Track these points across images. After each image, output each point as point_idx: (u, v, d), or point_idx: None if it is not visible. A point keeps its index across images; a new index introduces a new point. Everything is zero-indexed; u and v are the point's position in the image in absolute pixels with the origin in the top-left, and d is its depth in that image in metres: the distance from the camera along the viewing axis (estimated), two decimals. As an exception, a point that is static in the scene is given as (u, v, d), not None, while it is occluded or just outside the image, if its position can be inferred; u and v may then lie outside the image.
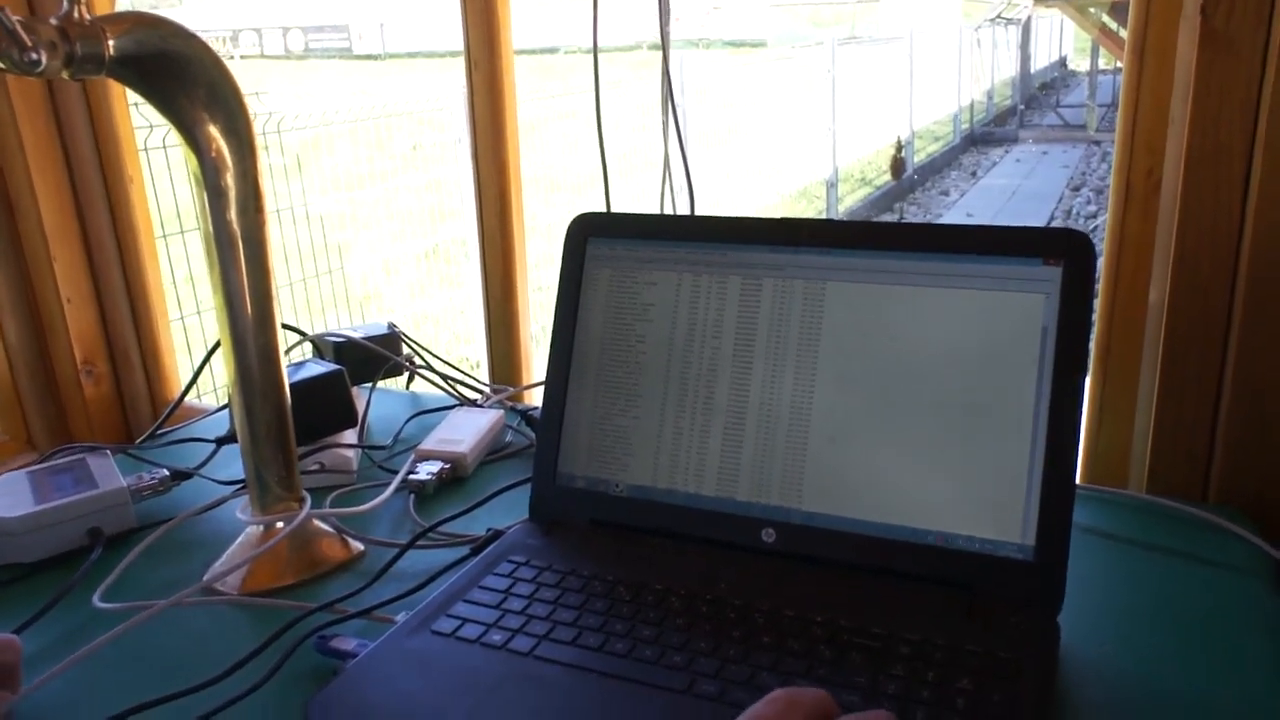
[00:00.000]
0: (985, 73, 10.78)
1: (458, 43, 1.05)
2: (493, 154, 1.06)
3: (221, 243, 0.64)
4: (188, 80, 0.59)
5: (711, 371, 0.68)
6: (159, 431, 0.95)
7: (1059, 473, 0.59)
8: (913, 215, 6.95)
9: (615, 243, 0.72)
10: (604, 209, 0.98)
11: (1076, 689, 0.55)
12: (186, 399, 1.07)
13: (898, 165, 7.45)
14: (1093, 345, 0.84)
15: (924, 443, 0.62)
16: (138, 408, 1.32)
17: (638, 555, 0.66)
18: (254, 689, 0.55)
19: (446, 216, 4.31)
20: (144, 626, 0.62)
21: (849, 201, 7.06)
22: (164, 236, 1.77)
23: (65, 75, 0.53)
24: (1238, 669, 0.56)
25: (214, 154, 0.62)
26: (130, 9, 0.54)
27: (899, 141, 7.52)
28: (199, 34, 0.59)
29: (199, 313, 2.10)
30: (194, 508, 0.76)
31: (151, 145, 1.61)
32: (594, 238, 0.73)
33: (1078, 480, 0.81)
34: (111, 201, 1.25)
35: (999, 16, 11.59)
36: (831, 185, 6.83)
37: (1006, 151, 9.13)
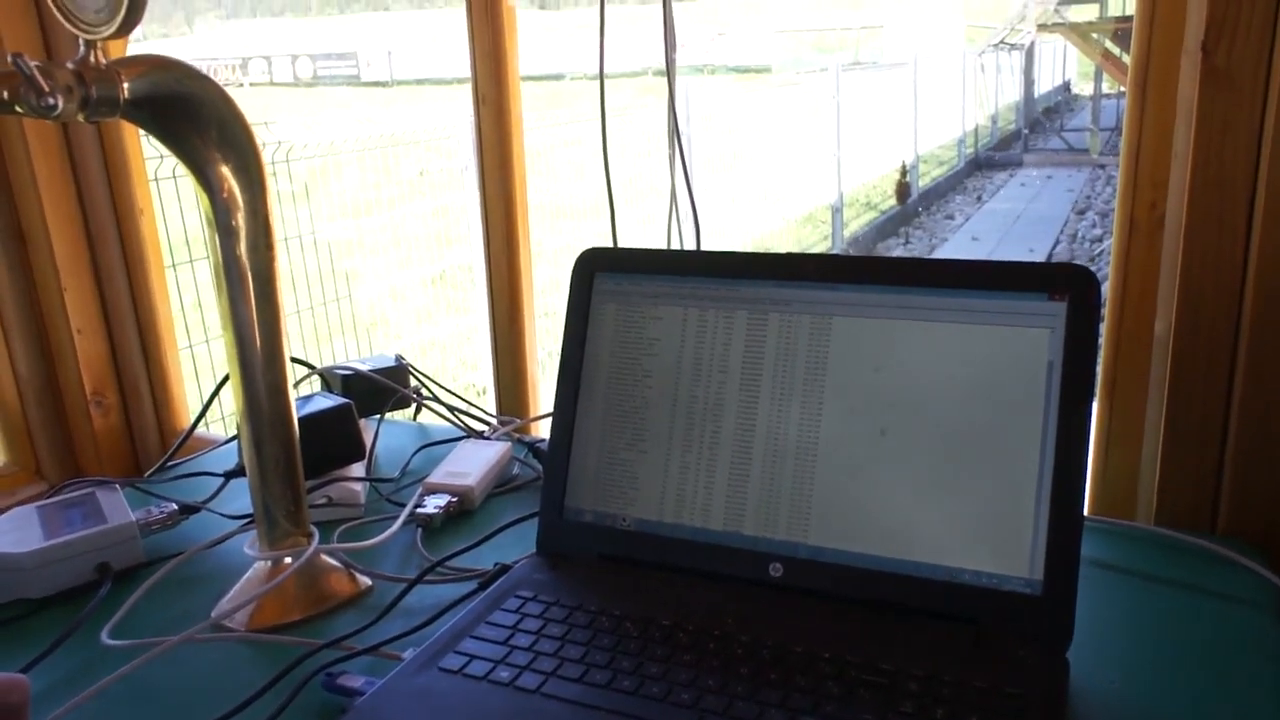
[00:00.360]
0: (989, 97, 10.83)
1: (465, 70, 1.06)
2: (500, 186, 1.07)
3: (231, 279, 0.64)
4: (200, 121, 0.60)
5: (718, 406, 0.68)
6: (168, 464, 0.95)
7: (1066, 507, 0.59)
8: (918, 239, 6.97)
9: (622, 278, 0.73)
10: (610, 242, 0.99)
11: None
12: (196, 429, 1.07)
13: (902, 190, 7.48)
14: (1098, 376, 0.84)
15: (930, 477, 0.62)
16: (146, 438, 1.33)
17: (645, 590, 0.66)
18: (261, 727, 0.55)
19: (453, 242, 4.33)
20: (152, 663, 0.62)
21: (854, 226, 7.08)
22: (173, 266, 1.79)
23: (81, 118, 0.54)
24: (1246, 703, 0.56)
25: (225, 194, 0.62)
26: (145, 53, 0.55)
27: (904, 166, 7.55)
28: (209, 63, 0.60)
29: (207, 341, 2.10)
30: (202, 543, 0.76)
31: (161, 175, 1.62)
32: (600, 273, 0.73)
33: (1085, 512, 0.82)
34: (122, 234, 1.26)
35: (1002, 42, 11.67)
36: (836, 210, 6.85)
37: (1011, 175, 9.16)
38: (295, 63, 17.82)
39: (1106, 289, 0.82)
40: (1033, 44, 11.96)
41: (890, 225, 7.29)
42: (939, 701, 0.53)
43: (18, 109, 0.51)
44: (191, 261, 1.96)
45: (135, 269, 1.27)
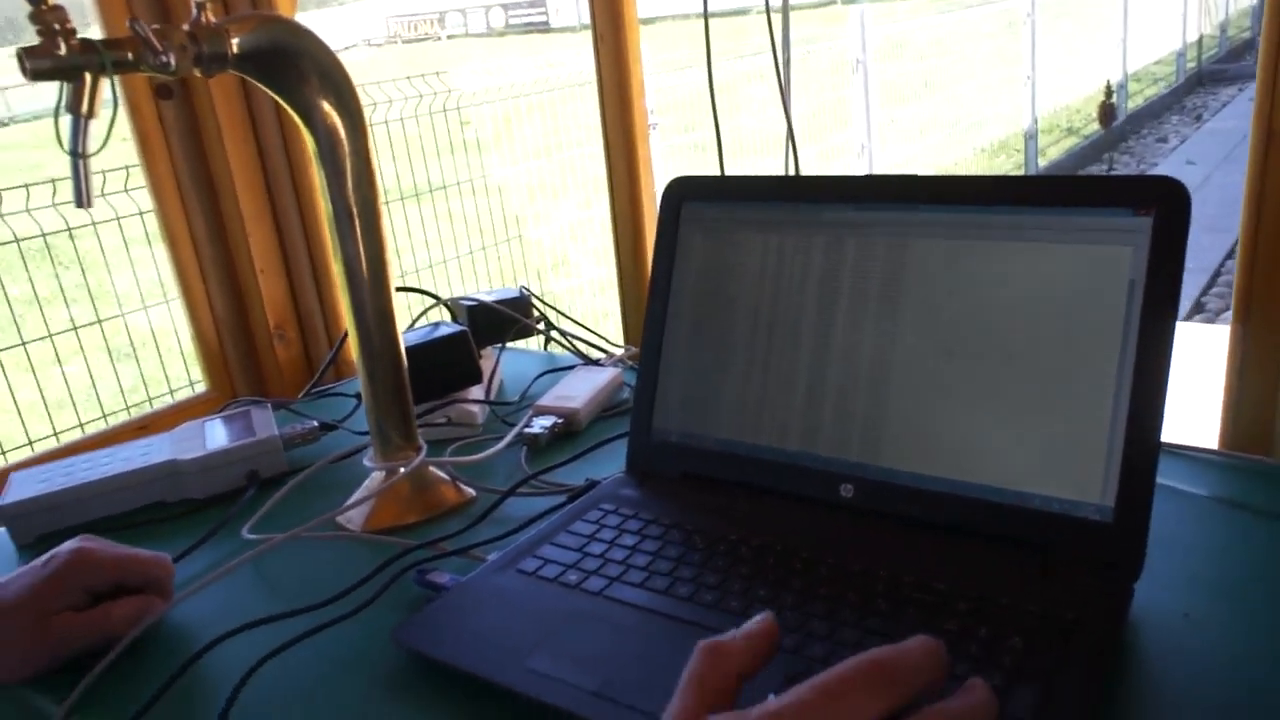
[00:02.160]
0: (1218, 2, 9.76)
1: (653, 10, 1.08)
2: (620, 124, 1.10)
3: (339, 215, 0.71)
4: (301, 69, 0.66)
5: (796, 330, 0.69)
6: (315, 389, 1.05)
7: (1143, 433, 0.57)
8: (1124, 165, 6.44)
9: (708, 205, 0.74)
10: (717, 172, 0.99)
11: (1144, 656, 0.53)
12: (348, 355, 1.17)
13: (1107, 112, 6.91)
14: (1232, 304, 0.79)
15: (1004, 400, 0.61)
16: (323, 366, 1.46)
17: (720, 508, 0.68)
18: (355, 612, 0.62)
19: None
20: (277, 554, 0.70)
21: (1052, 153, 6.63)
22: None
23: (197, 73, 0.61)
24: (1339, 645, 0.52)
25: (329, 133, 0.68)
26: (252, 11, 0.61)
27: (1109, 86, 6.96)
28: (408, 19, 0.64)
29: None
30: (333, 454, 0.85)
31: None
32: (688, 201, 0.75)
33: (1215, 446, 0.77)
34: (295, 182, 1.37)
35: (1236, -60, 10.44)
36: (1031, 137, 6.43)
37: (1240, 90, 8.26)
38: (488, 13, 18.35)
39: (1242, 205, 0.76)
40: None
41: (1092, 151, 6.77)
42: (984, 621, 0.53)
43: (140, 68, 0.58)
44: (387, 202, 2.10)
45: (308, 214, 1.38)
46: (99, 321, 1.69)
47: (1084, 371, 0.59)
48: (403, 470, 0.76)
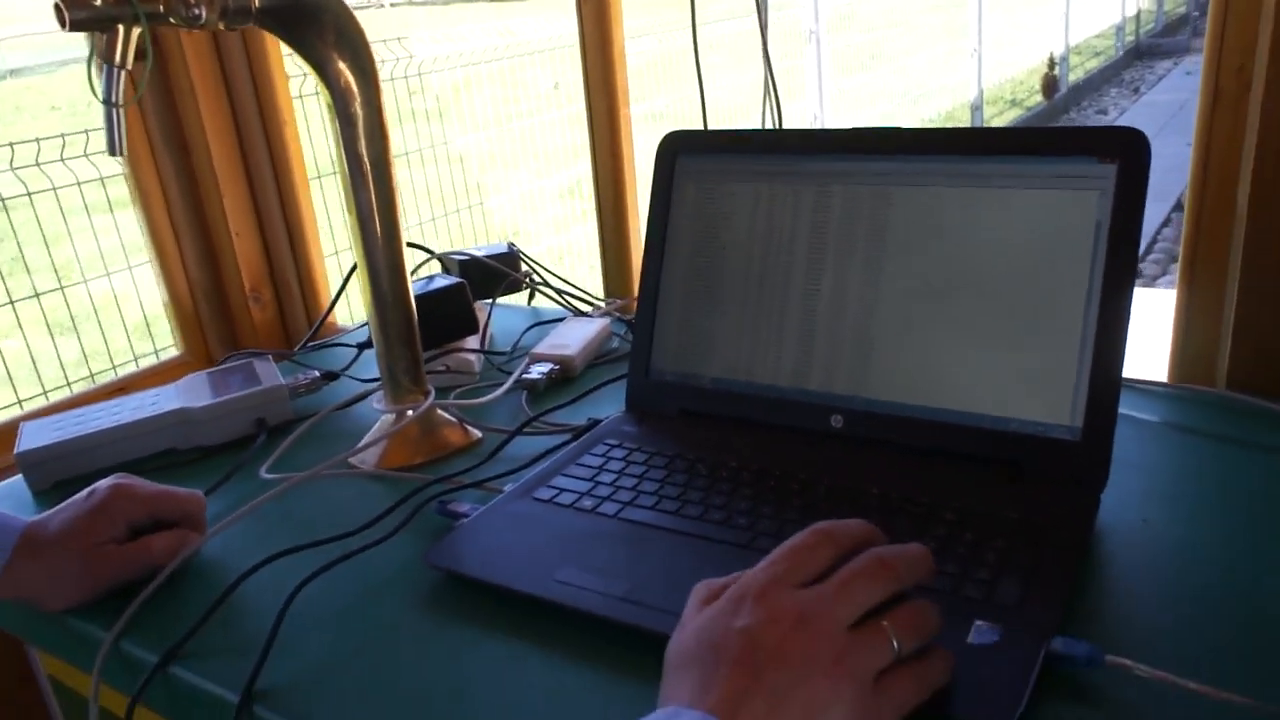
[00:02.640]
0: (1155, -22, 9.99)
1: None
2: (602, 80, 1.13)
3: (352, 165, 0.74)
4: (320, 25, 0.68)
5: (787, 273, 0.74)
6: (310, 342, 1.08)
7: (1108, 360, 0.63)
8: (1066, 136, 6.60)
9: (701, 158, 0.78)
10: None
11: (1109, 556, 0.59)
12: (333, 321, 1.20)
13: (1050, 84, 7.07)
14: (1180, 251, 0.85)
15: (982, 334, 0.67)
16: (297, 329, 1.47)
17: (719, 440, 0.73)
18: (384, 539, 0.66)
19: (587, 152, 4.39)
20: (296, 493, 0.74)
21: (996, 124, 6.77)
22: (319, 178, 1.92)
23: (221, 26, 0.63)
24: (1273, 545, 0.59)
25: (344, 88, 0.71)
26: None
27: (1051, 58, 7.11)
28: None
29: (337, 252, 2.25)
30: (341, 400, 0.88)
31: (306, 93, 1.75)
32: (682, 154, 0.79)
33: (1166, 379, 0.84)
34: (270, 144, 1.38)
35: (1172, -85, 10.67)
36: (976, 108, 6.56)
37: (1175, 64, 8.49)
38: (432, -22, 18.02)
39: (1189, 165, 0.82)
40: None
41: (1035, 122, 6.93)
42: (969, 527, 0.59)
43: (171, 20, 0.61)
44: (322, 176, 2.09)
45: (283, 177, 1.39)
46: (36, 295, 1.65)
47: (1055, 307, 0.64)
48: (411, 413, 0.80)
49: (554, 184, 4.53)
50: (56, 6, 0.57)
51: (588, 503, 0.67)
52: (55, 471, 0.81)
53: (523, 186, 4.40)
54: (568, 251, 4.35)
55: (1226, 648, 0.51)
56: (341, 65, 0.70)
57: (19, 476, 0.82)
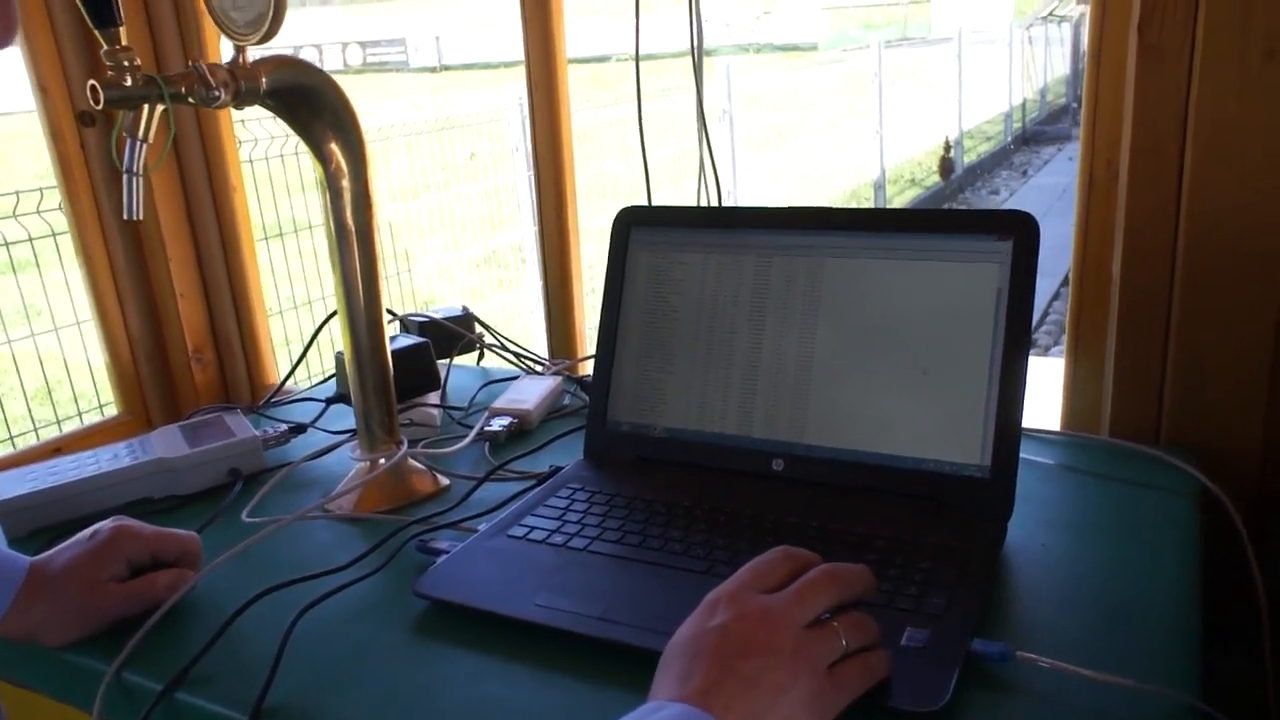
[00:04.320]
0: (1038, 71, 10.73)
1: (512, 54, 1.20)
2: (551, 162, 1.22)
3: (340, 234, 0.81)
4: (318, 107, 0.76)
5: (731, 334, 0.83)
6: (272, 400, 1.13)
7: (1010, 406, 0.73)
8: (961, 214, 6.99)
9: (653, 230, 0.88)
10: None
11: (1015, 573, 0.69)
12: (276, 381, 1.24)
13: (946, 166, 7.51)
14: (1067, 317, 0.98)
15: (903, 386, 0.77)
16: (239, 389, 1.51)
17: (673, 483, 0.81)
18: (371, 574, 0.71)
19: (504, 224, 4.48)
20: (279, 536, 0.79)
21: (898, 202, 7.13)
22: (266, 239, 1.96)
23: (233, 107, 0.70)
24: (1155, 561, 0.70)
25: (335, 165, 0.78)
26: (278, 53, 0.71)
27: (947, 142, 7.57)
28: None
29: (281, 311, 2.29)
30: (315, 449, 0.93)
31: (254, 158, 1.80)
32: (636, 226, 0.88)
33: (1057, 428, 0.96)
34: (218, 208, 1.43)
35: (1051, 14, 11.53)
36: (879, 187, 6.91)
37: (1059, 149, 9.11)
38: (345, 50, 18.15)
39: (1072, 244, 0.95)
40: (1081, 16, 11.80)
41: (934, 201, 7.33)
42: (898, 552, 0.68)
43: (190, 100, 0.67)
44: (269, 237, 2.13)
45: (229, 240, 1.44)
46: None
47: (964, 362, 0.75)
48: (384, 461, 0.86)
49: (469, 254, 4.60)
50: (92, 87, 0.63)
51: (558, 538, 0.74)
52: (33, 520, 0.84)
53: (439, 256, 4.46)
54: (486, 320, 4.41)
55: (1113, 642, 0.61)
56: (335, 145, 0.78)
57: (-5, 525, 0.84)
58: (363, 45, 18.35)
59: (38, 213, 1.59)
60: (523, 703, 0.59)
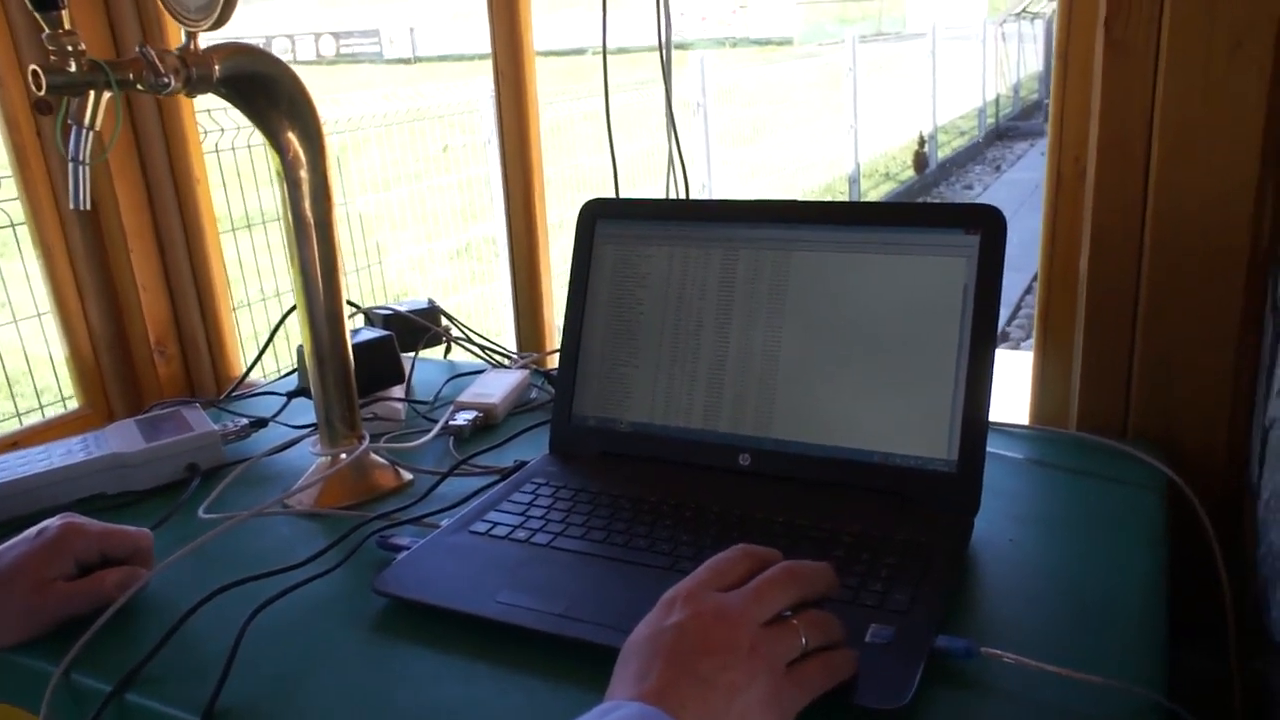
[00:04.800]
0: (1011, 67, 10.81)
1: (486, 46, 1.19)
2: (519, 155, 1.21)
3: (298, 226, 0.79)
4: (274, 96, 0.74)
5: (698, 327, 0.82)
6: (234, 393, 1.11)
7: (976, 401, 0.73)
8: (934, 209, 7.03)
9: (619, 223, 0.86)
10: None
11: (982, 568, 0.69)
12: (248, 377, 1.22)
13: (920, 160, 7.54)
14: (1035, 312, 0.97)
15: (870, 380, 0.76)
16: (203, 382, 1.48)
17: (638, 478, 0.80)
18: (328, 571, 0.70)
19: (477, 216, 4.45)
20: (236, 532, 0.77)
21: (872, 197, 7.15)
22: (232, 230, 1.92)
23: (184, 94, 0.68)
24: (1121, 554, 0.69)
25: (292, 155, 0.77)
26: (232, 40, 0.69)
27: (921, 137, 7.60)
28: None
29: (249, 304, 2.25)
30: (275, 444, 0.92)
31: (221, 147, 1.77)
32: (601, 219, 0.87)
33: (1026, 422, 0.95)
34: (181, 200, 1.40)
35: (1024, 10, 11.61)
36: (853, 181, 6.93)
37: (1031, 145, 9.17)
38: (319, 41, 17.97)
39: (1040, 239, 0.95)
40: (1054, 13, 11.89)
41: (908, 195, 7.36)
42: (864, 548, 0.68)
43: (139, 87, 0.65)
44: (240, 229, 2.10)
45: (192, 232, 1.41)
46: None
47: (931, 356, 0.74)
48: (346, 455, 0.84)
49: (444, 246, 4.57)
50: (34, 72, 0.61)
51: (521, 534, 0.73)
52: (-17, 517, 0.81)
53: (412, 248, 4.42)
54: (459, 312, 4.38)
55: (1078, 638, 0.60)
56: (291, 135, 0.76)
57: (-57, 522, 0.82)
58: (336, 36, 18.17)
59: (-11, 202, 1.55)
60: (482, 702, 0.58)
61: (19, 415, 1.66)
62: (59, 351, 1.41)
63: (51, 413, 1.44)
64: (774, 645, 0.50)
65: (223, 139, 1.80)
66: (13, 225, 1.60)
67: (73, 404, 1.42)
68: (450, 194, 4.43)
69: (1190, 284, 0.84)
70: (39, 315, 1.50)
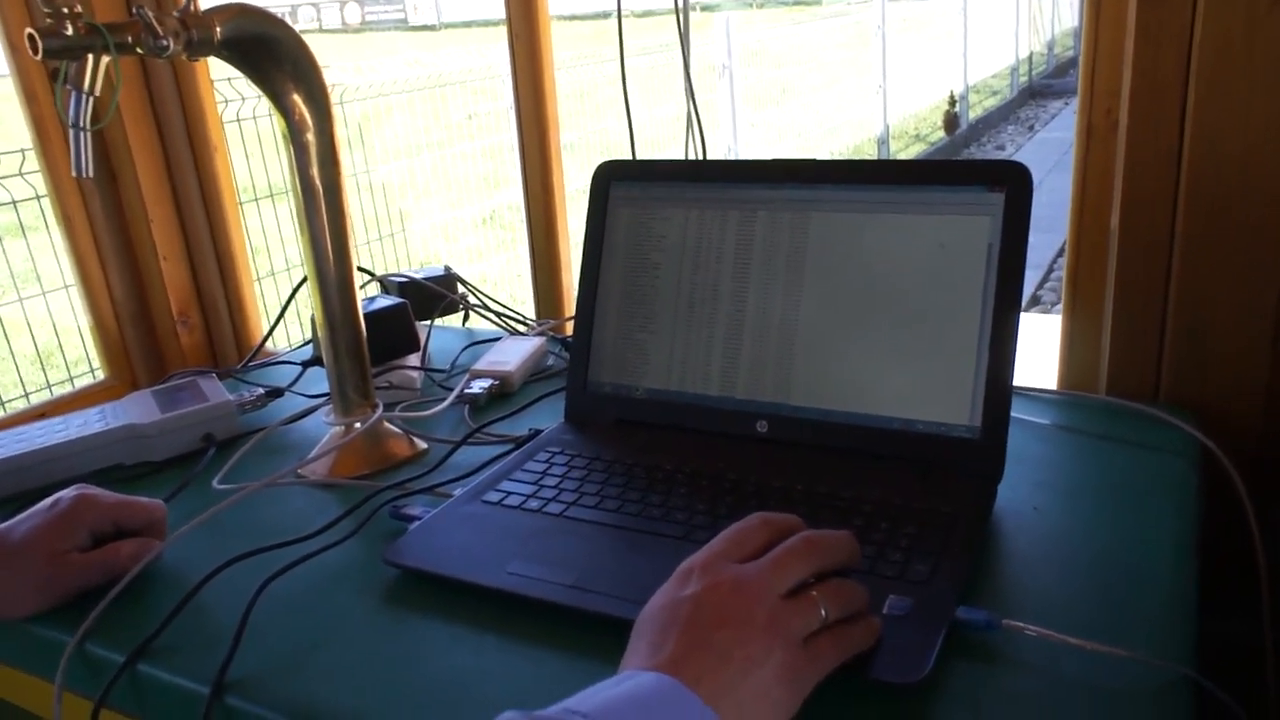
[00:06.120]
0: (1045, 23, 10.55)
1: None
2: (535, 119, 1.19)
3: (306, 191, 0.78)
4: (278, 57, 0.72)
5: (715, 291, 0.80)
6: (251, 363, 1.10)
7: (1000, 364, 0.70)
8: (966, 170, 6.91)
9: (634, 185, 0.84)
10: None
11: (1005, 537, 0.67)
12: (265, 345, 1.22)
13: (951, 121, 7.40)
14: (1064, 272, 0.94)
15: (891, 344, 0.74)
16: (225, 352, 1.49)
17: (654, 446, 0.79)
18: (340, 541, 0.69)
19: (503, 183, 4.43)
20: (250, 502, 0.77)
21: (901, 158, 7.04)
22: (255, 200, 1.92)
23: (185, 57, 0.67)
24: (1150, 523, 0.67)
25: (298, 117, 0.75)
26: (233, 1, 0.68)
27: (952, 96, 7.46)
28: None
29: (274, 274, 2.26)
30: (288, 415, 0.91)
31: (236, 118, 1.76)
32: (616, 181, 0.85)
33: (1054, 387, 0.93)
34: (199, 169, 1.40)
35: (1059, -36, 11.31)
36: (882, 143, 6.82)
37: (1066, 104, 8.96)
38: (344, 8, 17.92)
39: (1069, 196, 0.92)
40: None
41: (938, 156, 7.23)
42: (884, 517, 0.66)
43: (138, 50, 0.64)
44: (268, 197, 2.09)
45: (211, 201, 1.41)
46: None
47: (953, 319, 0.72)
48: (360, 425, 0.83)
49: (469, 214, 4.55)
50: (30, 36, 0.60)
51: (534, 504, 0.72)
52: (3, 487, 0.82)
53: (438, 216, 4.42)
54: (484, 280, 4.38)
55: (1104, 609, 0.58)
56: (296, 97, 0.74)
57: (-37, 493, 0.83)
58: (360, 3, 18.11)
59: (20, 175, 1.55)
60: (493, 673, 0.57)
61: (49, 386, 1.67)
62: (85, 322, 1.42)
63: (81, 384, 1.45)
64: (792, 619, 0.49)
65: (244, 107, 1.79)
66: (38, 198, 1.60)
67: (101, 375, 1.43)
68: (475, 161, 4.41)
69: (1228, 239, 0.80)
70: (65, 287, 1.51)
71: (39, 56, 0.60)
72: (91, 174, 0.66)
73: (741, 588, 0.49)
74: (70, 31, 0.61)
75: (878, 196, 0.75)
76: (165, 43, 0.64)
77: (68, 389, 1.47)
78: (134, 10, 0.63)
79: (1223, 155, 0.78)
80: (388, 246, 2.89)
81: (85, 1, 1.22)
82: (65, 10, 0.61)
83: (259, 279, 2.18)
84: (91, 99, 0.64)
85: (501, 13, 1.17)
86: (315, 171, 0.77)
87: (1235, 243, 0.80)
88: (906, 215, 0.74)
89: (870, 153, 6.99)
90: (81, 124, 0.64)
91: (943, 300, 0.72)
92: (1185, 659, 0.54)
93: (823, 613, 0.50)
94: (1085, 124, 0.88)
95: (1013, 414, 0.70)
